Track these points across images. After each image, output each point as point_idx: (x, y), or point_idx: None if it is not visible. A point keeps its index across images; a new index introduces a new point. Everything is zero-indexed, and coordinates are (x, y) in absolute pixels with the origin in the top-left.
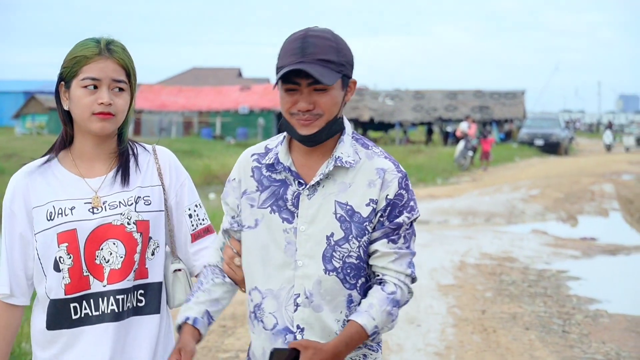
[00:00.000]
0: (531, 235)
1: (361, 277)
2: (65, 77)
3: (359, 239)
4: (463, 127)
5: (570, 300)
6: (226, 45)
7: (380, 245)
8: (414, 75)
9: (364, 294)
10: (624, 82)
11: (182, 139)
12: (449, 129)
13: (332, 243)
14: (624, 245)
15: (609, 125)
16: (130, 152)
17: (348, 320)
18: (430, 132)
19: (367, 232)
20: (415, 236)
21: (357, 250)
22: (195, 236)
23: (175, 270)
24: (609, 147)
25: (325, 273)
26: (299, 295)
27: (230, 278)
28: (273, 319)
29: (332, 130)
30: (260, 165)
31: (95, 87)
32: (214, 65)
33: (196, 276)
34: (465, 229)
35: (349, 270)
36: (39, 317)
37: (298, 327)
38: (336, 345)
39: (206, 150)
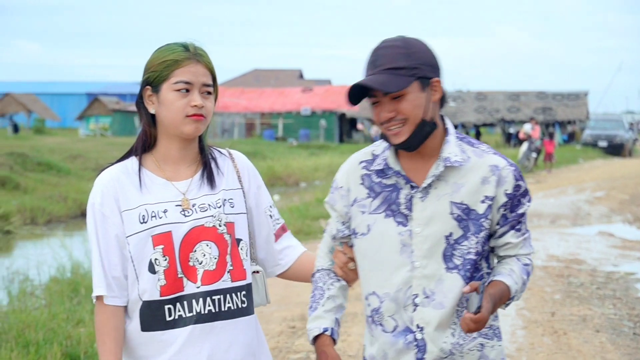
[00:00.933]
0: (597, 237)
1: (476, 270)
2: (153, 81)
3: (476, 235)
4: (527, 128)
5: (639, 303)
6: (287, 47)
7: (511, 237)
8: (476, 77)
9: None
10: None
11: (244, 141)
12: (512, 130)
13: (452, 242)
14: None
15: None
16: (210, 156)
17: (491, 281)
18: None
19: (484, 227)
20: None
21: (476, 246)
22: (277, 235)
23: (253, 272)
24: None
25: (447, 271)
26: (417, 295)
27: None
28: (392, 321)
29: (423, 133)
30: (369, 172)
31: (187, 90)
32: (275, 66)
33: (312, 275)
34: (531, 231)
35: (468, 267)
36: (128, 320)
37: (418, 326)
38: (494, 296)
39: (269, 151)
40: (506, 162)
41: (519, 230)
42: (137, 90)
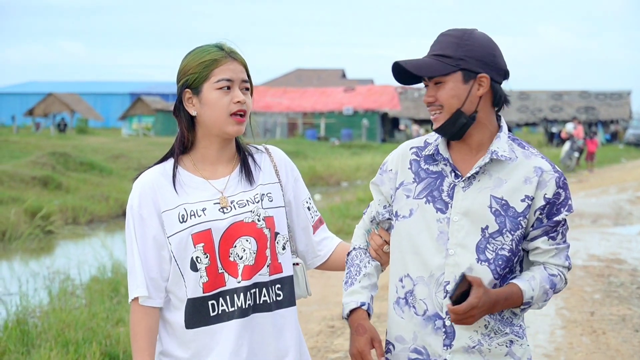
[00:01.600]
0: (639, 237)
1: (508, 268)
2: (193, 83)
3: (512, 232)
4: (569, 128)
5: None
6: (329, 46)
7: (542, 243)
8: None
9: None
10: None
11: (286, 140)
12: (554, 129)
13: (487, 235)
14: None
15: None
16: (247, 153)
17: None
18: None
19: (521, 226)
20: (568, 229)
21: (510, 243)
22: (315, 227)
23: (293, 265)
24: None
25: (478, 262)
26: (448, 282)
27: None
28: (424, 305)
29: (458, 123)
30: (418, 159)
31: (229, 88)
32: (317, 66)
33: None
34: (572, 231)
35: (500, 262)
36: (174, 318)
37: (447, 313)
38: (497, 295)
39: (311, 151)
40: (552, 167)
41: (553, 238)
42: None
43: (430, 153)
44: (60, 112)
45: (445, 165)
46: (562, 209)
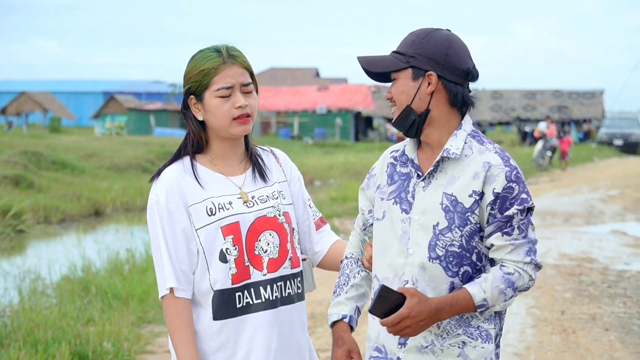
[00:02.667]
0: (610, 235)
1: (464, 265)
2: (195, 91)
3: (461, 228)
4: (542, 127)
5: None
6: (304, 46)
7: (495, 239)
8: (491, 75)
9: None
10: None
11: (260, 139)
12: (527, 128)
13: (437, 232)
14: None
15: None
16: (256, 153)
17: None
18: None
19: (469, 222)
20: (531, 224)
21: (460, 239)
22: (317, 225)
23: (302, 260)
24: None
25: (429, 260)
26: (407, 281)
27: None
28: None
29: (408, 120)
30: (395, 162)
31: (230, 94)
32: (291, 65)
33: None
34: (544, 230)
35: (451, 259)
36: (198, 311)
37: None
38: (440, 302)
39: (284, 150)
40: (502, 161)
41: (507, 234)
42: (152, 88)
43: (398, 154)
44: (33, 111)
45: (411, 166)
46: (514, 204)
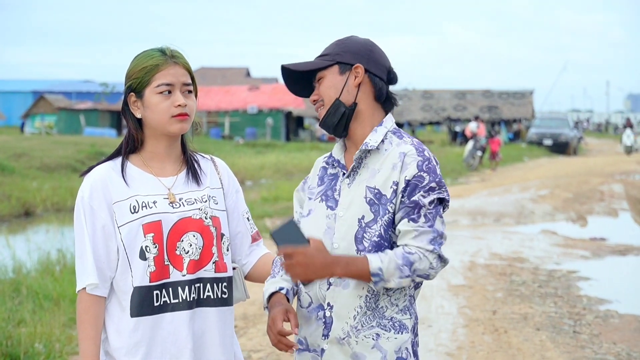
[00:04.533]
0: (541, 235)
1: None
2: (136, 88)
3: (382, 218)
4: (472, 127)
5: (580, 301)
6: (234, 45)
7: (402, 225)
8: (422, 75)
9: None
10: (632, 81)
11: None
12: (458, 128)
13: (363, 225)
14: (634, 246)
15: (628, 124)
16: (193, 158)
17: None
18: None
19: (388, 212)
20: (441, 217)
21: (379, 229)
22: (253, 239)
23: (232, 269)
24: (629, 150)
25: (357, 253)
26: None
27: None
28: (308, 297)
29: (338, 113)
30: (327, 166)
31: (169, 92)
32: (222, 65)
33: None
34: (475, 229)
35: (370, 249)
36: (117, 308)
37: (329, 304)
38: (336, 257)
39: (215, 150)
40: (416, 151)
41: (413, 220)
42: (82, 88)
43: (327, 158)
44: None
45: (337, 166)
46: (422, 191)
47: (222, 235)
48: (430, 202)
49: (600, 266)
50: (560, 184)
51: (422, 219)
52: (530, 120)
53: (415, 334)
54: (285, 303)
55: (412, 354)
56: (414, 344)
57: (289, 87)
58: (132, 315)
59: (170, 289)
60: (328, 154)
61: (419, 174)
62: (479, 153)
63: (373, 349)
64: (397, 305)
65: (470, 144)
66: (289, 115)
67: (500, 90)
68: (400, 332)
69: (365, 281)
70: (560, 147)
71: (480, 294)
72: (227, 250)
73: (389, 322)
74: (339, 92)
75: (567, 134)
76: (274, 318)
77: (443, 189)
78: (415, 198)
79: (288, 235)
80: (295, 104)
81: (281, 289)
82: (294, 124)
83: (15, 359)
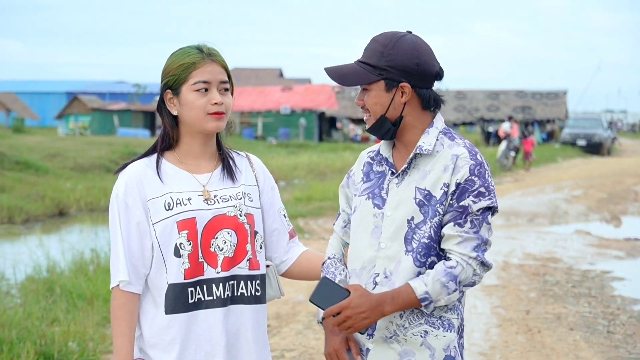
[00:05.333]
0: (575, 235)
1: (431, 255)
2: (173, 85)
3: (431, 220)
4: (505, 127)
5: (614, 301)
6: (267, 46)
7: (447, 229)
8: (455, 75)
9: None
10: None
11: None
12: (491, 129)
13: (413, 226)
14: None
15: None
16: (228, 155)
17: None
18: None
19: (438, 213)
20: (487, 224)
21: (429, 230)
22: (290, 235)
23: (266, 266)
24: None
25: (405, 254)
26: (378, 274)
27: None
28: None
29: (382, 129)
30: (372, 161)
31: (206, 89)
32: (255, 65)
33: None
34: (508, 230)
35: (420, 250)
36: (151, 305)
37: None
38: (381, 295)
39: (248, 150)
40: (469, 154)
41: (460, 225)
42: (116, 88)
43: (374, 154)
44: None
45: (385, 164)
46: (471, 196)
47: (256, 232)
48: (479, 209)
49: (634, 266)
50: (594, 184)
51: (468, 225)
52: (563, 121)
53: (460, 336)
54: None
55: (460, 355)
56: (460, 345)
57: (334, 79)
58: (167, 312)
59: (205, 286)
60: (372, 149)
61: (470, 177)
62: (513, 153)
63: (422, 346)
64: (427, 309)
65: (503, 144)
66: (321, 115)
67: (533, 90)
68: (448, 330)
69: (417, 307)
70: (594, 148)
71: (514, 294)
72: (261, 247)
73: (437, 320)
74: (385, 109)
75: (601, 134)
76: (338, 350)
77: (492, 195)
78: (464, 202)
79: (327, 294)
80: (328, 105)
81: None
82: (326, 125)
83: (49, 358)
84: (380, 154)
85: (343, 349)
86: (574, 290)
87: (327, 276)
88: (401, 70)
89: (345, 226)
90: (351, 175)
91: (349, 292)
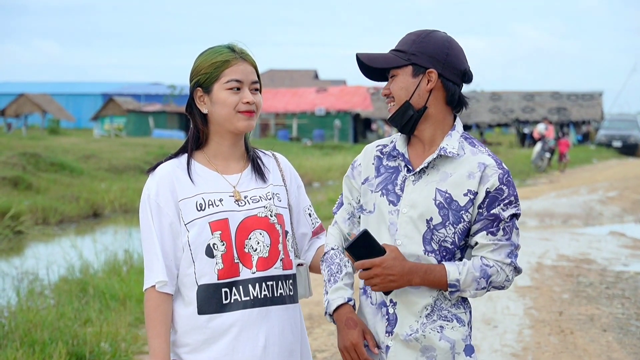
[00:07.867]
0: (609, 237)
1: (454, 260)
2: (204, 83)
3: (455, 225)
4: (540, 128)
5: None
6: (302, 47)
7: (480, 238)
8: (490, 76)
9: None
10: None
11: (259, 141)
12: (526, 130)
13: (431, 227)
14: None
15: None
16: (255, 155)
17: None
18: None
19: (463, 220)
20: (517, 229)
21: (453, 236)
22: (315, 233)
23: (297, 265)
24: None
25: (425, 253)
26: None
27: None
28: (375, 294)
29: (406, 116)
30: (382, 156)
31: (238, 88)
32: (290, 67)
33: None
34: (542, 231)
35: (444, 254)
36: (181, 305)
37: (391, 301)
38: (415, 266)
39: (283, 152)
40: (496, 163)
41: (492, 233)
42: (151, 90)
43: (390, 149)
44: (32, 112)
45: (401, 160)
46: (502, 204)
47: (287, 232)
48: (509, 216)
49: None
50: (630, 185)
51: (501, 232)
52: (599, 122)
53: (470, 328)
54: (359, 321)
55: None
56: (471, 338)
57: (362, 72)
58: (200, 312)
59: (241, 287)
60: (382, 142)
61: (499, 186)
62: (547, 155)
63: (441, 340)
64: (449, 300)
65: (538, 145)
66: (356, 117)
67: (569, 91)
68: (460, 324)
69: (441, 289)
70: (630, 149)
71: (547, 295)
72: (292, 247)
73: (448, 314)
74: (410, 95)
75: (637, 135)
76: (357, 344)
77: (518, 202)
78: (494, 211)
79: (363, 247)
80: (363, 106)
81: (349, 299)
82: (361, 126)
83: (81, 358)
84: (397, 149)
85: (361, 343)
86: (608, 291)
87: (368, 230)
88: (430, 57)
89: (349, 218)
90: (356, 166)
91: (385, 252)
